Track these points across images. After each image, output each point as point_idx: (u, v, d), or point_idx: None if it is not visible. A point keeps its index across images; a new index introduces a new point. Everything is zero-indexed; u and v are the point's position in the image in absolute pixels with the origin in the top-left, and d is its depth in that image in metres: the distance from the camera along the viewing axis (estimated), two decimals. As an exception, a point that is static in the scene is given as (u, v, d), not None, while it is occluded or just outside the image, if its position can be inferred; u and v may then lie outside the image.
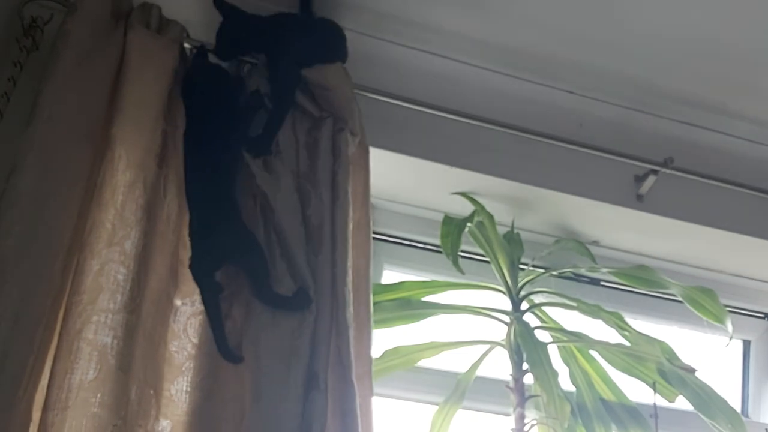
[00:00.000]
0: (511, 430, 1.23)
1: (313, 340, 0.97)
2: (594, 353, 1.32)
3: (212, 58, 1.11)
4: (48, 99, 0.97)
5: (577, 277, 1.52)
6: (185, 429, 0.95)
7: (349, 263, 1.05)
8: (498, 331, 1.32)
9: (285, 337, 0.96)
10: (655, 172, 1.39)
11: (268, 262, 1.00)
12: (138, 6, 1.10)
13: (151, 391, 0.94)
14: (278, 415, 0.92)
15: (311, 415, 0.93)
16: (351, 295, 1.03)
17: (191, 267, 0.98)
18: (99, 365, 0.90)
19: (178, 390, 0.97)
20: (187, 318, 1.01)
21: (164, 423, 0.95)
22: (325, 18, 1.21)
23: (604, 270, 1.41)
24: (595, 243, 1.51)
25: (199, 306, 1.00)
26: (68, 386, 0.88)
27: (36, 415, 0.88)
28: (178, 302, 1.01)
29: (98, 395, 0.89)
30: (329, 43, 1.18)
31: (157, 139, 1.01)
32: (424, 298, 1.32)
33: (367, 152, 1.18)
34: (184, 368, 0.98)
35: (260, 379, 0.93)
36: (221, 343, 0.96)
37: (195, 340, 1.00)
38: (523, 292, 1.34)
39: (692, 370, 1.28)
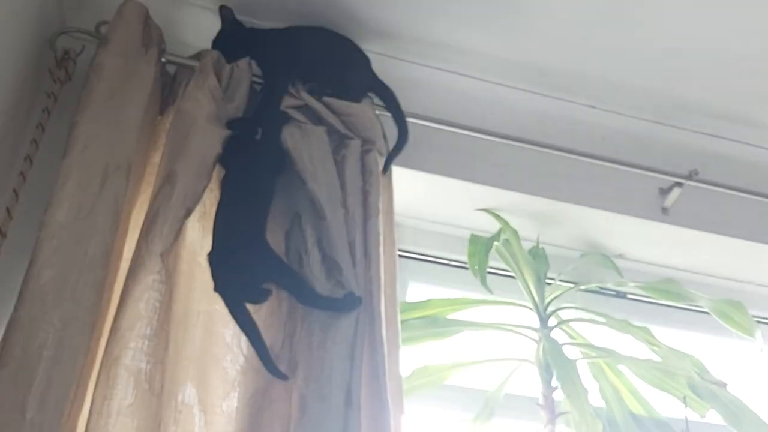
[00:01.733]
0: (542, 447, 1.23)
1: (352, 356, 0.98)
2: (623, 368, 1.32)
3: None
4: (83, 130, 1.00)
5: (603, 291, 1.52)
6: None
7: (382, 281, 1.06)
8: (526, 347, 1.32)
9: (329, 353, 0.97)
10: (679, 184, 1.39)
11: (311, 275, 1.01)
12: (209, 56, 1.13)
13: (195, 411, 0.95)
14: (322, 431, 0.92)
15: None
16: (384, 312, 1.04)
17: (217, 290, 0.98)
18: (135, 390, 0.91)
19: (230, 406, 0.98)
20: (239, 330, 1.01)
21: None
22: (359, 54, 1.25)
23: (631, 284, 1.41)
24: (621, 256, 1.51)
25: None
26: (107, 412, 0.89)
27: None
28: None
29: (135, 420, 0.90)
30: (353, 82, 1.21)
31: (210, 177, 1.04)
32: (450, 316, 1.32)
33: (390, 171, 1.19)
34: (236, 383, 0.99)
35: (306, 394, 0.94)
36: (266, 361, 0.97)
37: (246, 352, 1.01)
38: (550, 308, 1.34)
39: (723, 384, 1.27)
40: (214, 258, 0.99)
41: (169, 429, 0.92)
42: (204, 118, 1.06)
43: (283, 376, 0.96)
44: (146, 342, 0.93)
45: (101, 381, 0.90)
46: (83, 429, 0.89)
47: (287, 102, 1.15)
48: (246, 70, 1.15)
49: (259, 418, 0.97)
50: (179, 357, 0.96)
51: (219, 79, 1.12)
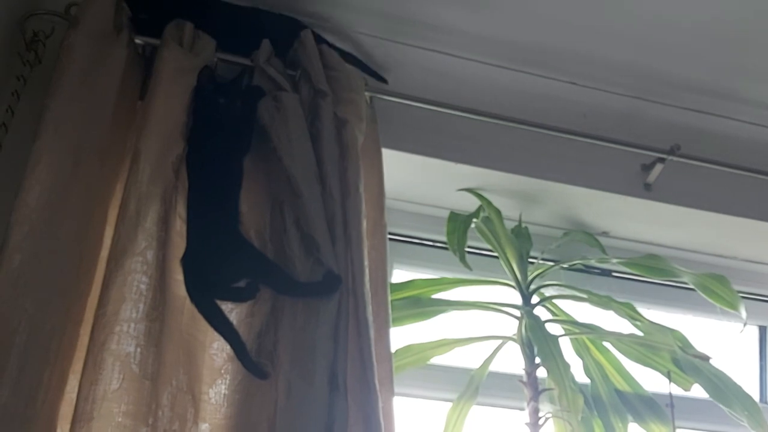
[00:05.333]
0: (526, 424, 1.23)
1: (335, 337, 0.96)
2: (607, 344, 1.32)
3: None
4: (54, 113, 0.98)
5: (587, 269, 1.52)
6: None
7: (366, 262, 1.04)
8: (509, 325, 1.32)
9: (312, 335, 0.96)
10: (662, 160, 1.38)
11: (289, 258, 0.99)
12: (172, 23, 1.11)
13: (189, 396, 0.94)
14: (307, 413, 0.91)
15: (332, 417, 0.92)
16: (369, 294, 1.02)
17: (189, 293, 0.96)
18: (122, 375, 0.90)
19: (217, 393, 0.97)
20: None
21: (203, 427, 0.95)
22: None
23: (615, 260, 1.41)
24: (605, 234, 1.50)
25: (232, 305, 1.00)
26: (93, 397, 0.88)
27: (66, 427, 0.88)
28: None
29: (122, 405, 0.89)
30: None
31: (177, 152, 1.02)
32: (434, 296, 1.32)
33: (379, 153, 1.18)
34: (223, 371, 0.98)
35: (291, 377, 0.93)
36: (245, 360, 0.96)
37: None
38: (533, 286, 1.34)
39: (706, 358, 1.27)
40: (187, 260, 0.96)
41: (164, 413, 0.91)
42: (162, 91, 1.04)
43: (262, 375, 0.95)
44: (133, 325, 0.92)
45: (88, 367, 0.89)
46: (70, 415, 0.88)
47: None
48: (211, 41, 1.13)
49: (248, 404, 0.96)
50: (180, 340, 0.95)
51: (181, 44, 1.09)
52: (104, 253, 0.98)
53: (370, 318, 1.00)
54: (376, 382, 0.97)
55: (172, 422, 0.92)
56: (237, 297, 0.99)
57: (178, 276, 0.97)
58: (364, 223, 1.07)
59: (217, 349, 0.99)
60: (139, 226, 0.95)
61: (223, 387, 0.97)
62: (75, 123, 0.99)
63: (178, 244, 0.99)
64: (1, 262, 0.89)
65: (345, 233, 1.04)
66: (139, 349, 0.92)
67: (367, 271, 1.04)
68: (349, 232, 1.04)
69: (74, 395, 0.90)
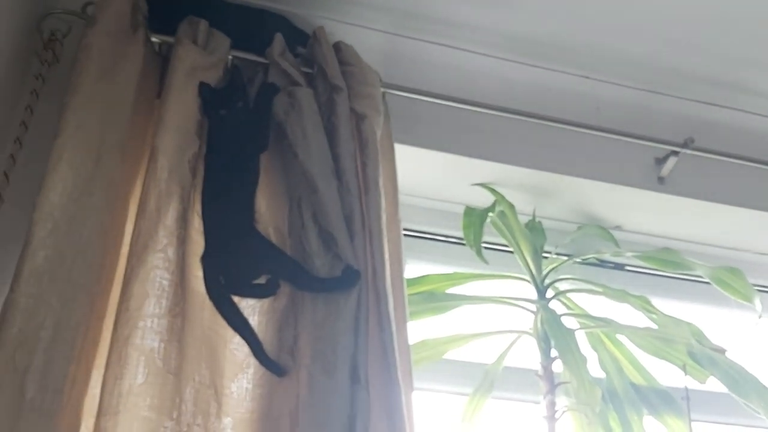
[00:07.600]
0: (543, 417, 1.23)
1: (356, 330, 0.96)
2: (622, 338, 1.32)
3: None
4: (74, 112, 0.99)
5: (601, 263, 1.52)
6: (247, 426, 0.95)
7: (387, 257, 1.04)
8: (524, 320, 1.32)
9: (333, 328, 0.95)
10: (675, 153, 1.38)
11: (308, 254, 0.99)
12: (185, 21, 1.12)
13: (211, 391, 0.95)
14: (329, 406, 0.91)
15: (354, 411, 0.92)
16: (390, 289, 1.02)
17: (208, 291, 0.96)
18: (147, 369, 0.91)
19: (240, 387, 0.97)
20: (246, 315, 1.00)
21: (226, 421, 0.95)
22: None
23: (629, 254, 1.41)
24: (618, 228, 1.51)
25: (253, 302, 1.01)
26: (118, 392, 0.88)
27: (90, 421, 0.89)
28: (234, 300, 1.01)
29: (147, 399, 0.90)
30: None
31: (194, 149, 1.03)
32: (448, 291, 1.32)
33: (393, 149, 1.19)
34: (244, 365, 0.98)
35: (312, 371, 0.93)
36: (261, 357, 0.96)
37: None
38: (547, 280, 1.34)
39: (722, 351, 1.27)
40: (207, 259, 0.97)
41: (187, 407, 0.92)
42: (177, 89, 1.04)
43: (279, 372, 0.96)
44: (156, 321, 0.93)
45: (112, 362, 0.90)
46: (94, 410, 0.89)
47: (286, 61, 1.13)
48: (225, 39, 1.14)
49: (270, 398, 0.97)
50: (202, 335, 0.96)
51: (195, 41, 1.10)
52: (125, 249, 0.99)
53: (392, 312, 1.00)
54: (399, 376, 0.97)
55: (196, 416, 0.92)
56: (258, 294, 1.00)
57: (197, 272, 0.98)
58: (384, 218, 1.07)
59: (239, 344, 0.99)
60: (159, 223, 0.96)
61: (245, 381, 0.98)
62: (95, 121, 1.00)
63: (197, 241, 1.00)
64: (25, 258, 0.90)
65: (364, 228, 1.04)
66: (162, 344, 0.93)
67: (387, 265, 1.04)
68: (371, 226, 1.04)
69: (97, 390, 0.90)
